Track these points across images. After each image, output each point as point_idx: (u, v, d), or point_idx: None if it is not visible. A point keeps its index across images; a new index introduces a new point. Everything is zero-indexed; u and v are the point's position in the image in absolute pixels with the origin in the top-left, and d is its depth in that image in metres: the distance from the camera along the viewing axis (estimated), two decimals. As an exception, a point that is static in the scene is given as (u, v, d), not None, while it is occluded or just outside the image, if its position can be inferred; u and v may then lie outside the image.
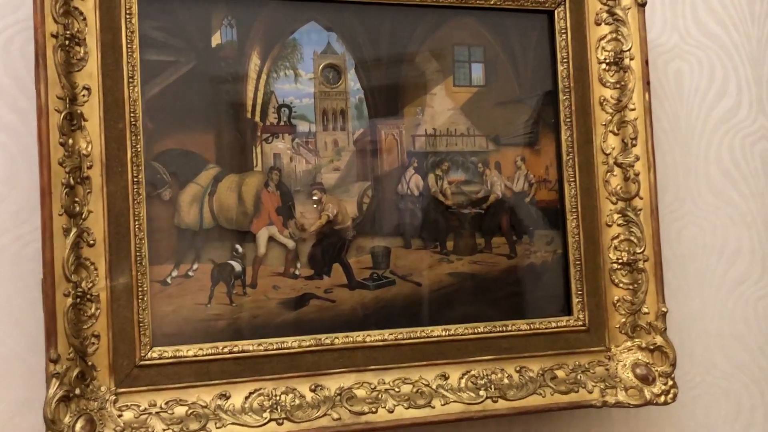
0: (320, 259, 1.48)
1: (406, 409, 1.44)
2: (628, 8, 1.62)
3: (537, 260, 1.61)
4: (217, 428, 1.34)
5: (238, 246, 1.43)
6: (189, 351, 1.37)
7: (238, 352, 1.39)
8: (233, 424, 1.35)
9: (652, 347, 1.58)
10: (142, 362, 1.34)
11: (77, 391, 1.28)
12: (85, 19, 1.33)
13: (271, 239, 1.45)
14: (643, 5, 1.61)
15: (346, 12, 1.51)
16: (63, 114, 1.29)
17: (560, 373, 1.55)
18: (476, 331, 1.53)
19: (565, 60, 1.61)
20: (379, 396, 1.44)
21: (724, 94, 1.92)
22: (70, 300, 1.27)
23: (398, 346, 1.48)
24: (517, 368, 1.53)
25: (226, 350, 1.39)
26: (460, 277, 1.56)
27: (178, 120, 1.41)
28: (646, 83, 1.61)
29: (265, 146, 1.46)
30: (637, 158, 1.60)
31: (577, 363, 1.57)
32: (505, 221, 1.60)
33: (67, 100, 1.30)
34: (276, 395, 1.39)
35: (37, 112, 1.27)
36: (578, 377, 1.55)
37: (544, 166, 1.62)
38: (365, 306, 1.49)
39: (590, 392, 1.55)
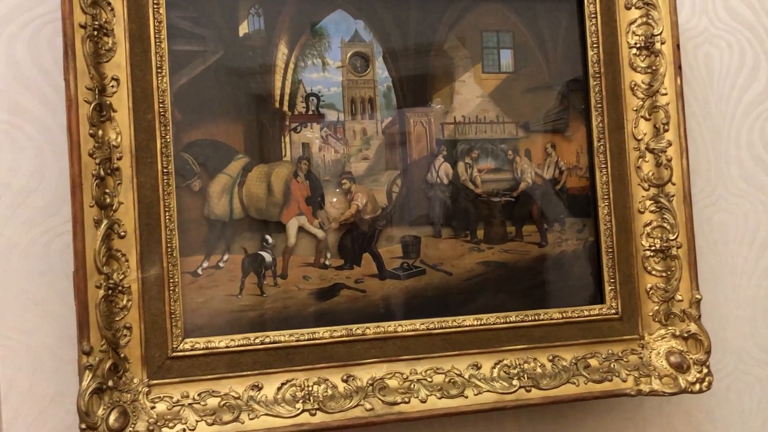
0: (350, 249, 1.47)
1: (439, 399, 1.43)
2: (659, -9, 1.59)
3: (568, 248, 1.58)
4: (250, 419, 1.33)
5: (268, 236, 1.42)
6: (221, 342, 1.36)
7: (270, 342, 1.38)
8: (266, 415, 1.34)
9: (686, 335, 1.56)
10: (175, 354, 1.33)
11: (110, 383, 1.27)
12: (112, 9, 1.32)
13: (301, 229, 1.44)
14: (674, -12, 1.59)
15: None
16: (92, 105, 1.28)
17: (593, 362, 1.53)
18: (508, 320, 1.51)
19: (595, 45, 1.59)
20: (412, 386, 1.43)
21: (754, 79, 1.89)
22: (101, 292, 1.27)
23: (430, 336, 1.46)
24: (550, 357, 1.51)
25: (257, 341, 1.38)
26: (491, 266, 1.54)
27: (206, 110, 1.40)
28: (678, 68, 1.58)
29: (293, 136, 1.45)
30: (670, 144, 1.57)
31: (610, 351, 1.55)
32: (536, 209, 1.58)
33: (96, 91, 1.29)
34: (308, 386, 1.38)
35: (66, 104, 1.26)
36: (612, 366, 1.53)
37: (574, 152, 1.60)
38: (396, 296, 1.48)
39: (624, 381, 1.52)
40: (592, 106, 1.59)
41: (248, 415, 1.33)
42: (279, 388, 1.36)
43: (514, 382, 1.47)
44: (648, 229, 1.58)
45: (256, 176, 1.42)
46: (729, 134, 1.85)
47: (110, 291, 1.28)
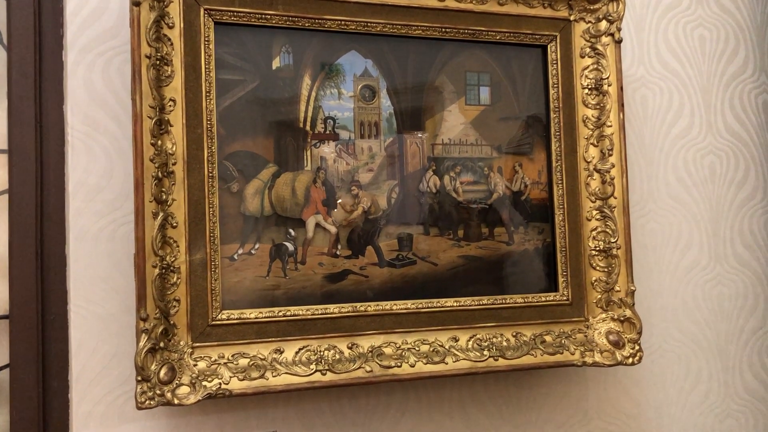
0: (356, 242, 1.46)
1: (425, 364, 1.42)
2: (607, 44, 1.59)
3: (530, 247, 1.58)
4: (273, 377, 1.33)
5: (291, 230, 1.41)
6: (251, 314, 1.35)
7: (291, 315, 1.37)
8: (286, 373, 1.33)
9: (622, 318, 1.56)
10: (214, 322, 1.32)
11: (161, 345, 1.26)
12: (172, 44, 1.32)
13: (317, 225, 1.43)
14: (619, 42, 1.59)
15: (381, 43, 1.49)
16: (154, 120, 1.27)
17: (548, 338, 1.53)
18: (481, 303, 1.51)
19: (555, 85, 1.59)
20: (403, 353, 1.42)
21: (680, 116, 1.90)
22: (157, 271, 1.26)
23: (418, 314, 1.46)
24: (514, 333, 1.51)
25: (280, 314, 1.37)
26: (468, 259, 1.53)
27: (244, 127, 1.39)
28: (621, 105, 1.58)
29: (313, 150, 1.44)
30: (613, 165, 1.57)
31: (561, 330, 1.55)
32: (506, 215, 1.57)
33: (157, 109, 1.28)
34: (320, 351, 1.37)
35: (132, 119, 1.26)
36: (563, 342, 1.53)
37: (537, 170, 1.59)
38: (392, 281, 1.47)
39: (572, 354, 1.52)
40: (552, 134, 1.59)
41: (272, 373, 1.33)
42: (297, 352, 1.36)
43: (485, 352, 1.47)
44: (594, 233, 1.58)
45: (283, 182, 1.41)
46: (659, 160, 1.86)
47: (164, 270, 1.28)
